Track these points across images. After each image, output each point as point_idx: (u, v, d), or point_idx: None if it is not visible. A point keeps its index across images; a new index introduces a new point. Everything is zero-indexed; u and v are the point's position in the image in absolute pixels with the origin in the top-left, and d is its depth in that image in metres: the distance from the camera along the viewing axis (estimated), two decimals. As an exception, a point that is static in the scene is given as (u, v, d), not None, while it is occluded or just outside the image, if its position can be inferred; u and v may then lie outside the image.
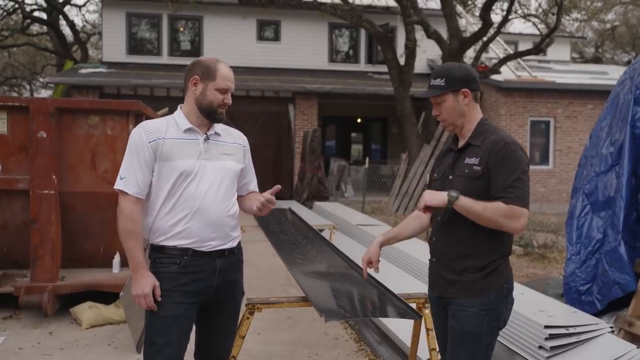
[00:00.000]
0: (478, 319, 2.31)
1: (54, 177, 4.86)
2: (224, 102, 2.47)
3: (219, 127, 2.55)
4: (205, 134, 2.48)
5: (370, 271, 3.42)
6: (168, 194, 2.40)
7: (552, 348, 3.33)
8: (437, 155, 2.66)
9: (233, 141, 2.58)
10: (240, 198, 2.62)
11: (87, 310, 4.71)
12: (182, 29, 17.21)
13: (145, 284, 2.36)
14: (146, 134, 2.41)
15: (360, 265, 3.58)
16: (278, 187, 2.51)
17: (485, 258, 2.32)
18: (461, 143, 2.45)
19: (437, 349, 2.67)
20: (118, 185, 2.41)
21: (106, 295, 4.90)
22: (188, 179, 2.40)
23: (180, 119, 2.48)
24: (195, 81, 2.46)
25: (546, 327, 3.37)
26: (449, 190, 2.30)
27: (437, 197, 2.29)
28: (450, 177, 2.40)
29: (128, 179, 2.39)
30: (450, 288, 2.38)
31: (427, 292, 3.20)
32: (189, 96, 2.49)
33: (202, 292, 2.44)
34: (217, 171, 2.45)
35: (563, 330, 3.38)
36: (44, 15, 22.26)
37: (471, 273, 2.33)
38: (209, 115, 2.46)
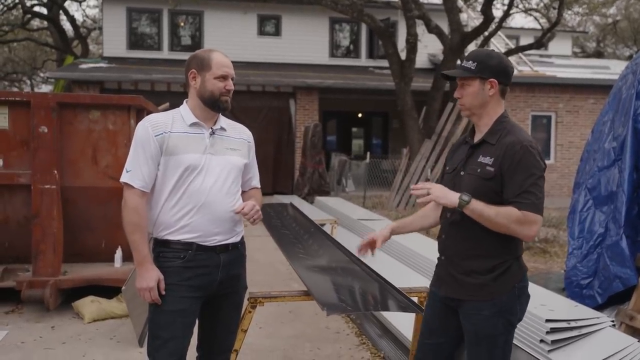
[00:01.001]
0: (492, 321, 2.26)
1: (55, 171, 4.87)
2: (226, 89, 2.45)
3: (224, 122, 2.54)
4: (211, 128, 2.48)
5: (373, 265, 3.43)
6: (173, 188, 2.39)
7: (554, 342, 3.33)
8: (452, 145, 2.58)
9: (239, 136, 2.57)
10: (242, 193, 2.62)
11: (89, 305, 4.72)
12: (182, 24, 17.18)
13: (150, 277, 2.36)
14: (152, 127, 2.40)
15: (363, 260, 3.60)
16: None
17: (495, 259, 2.26)
18: (477, 138, 2.36)
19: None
20: (124, 178, 2.41)
21: (108, 290, 4.91)
22: (194, 174, 2.39)
23: (186, 113, 2.47)
24: (194, 75, 2.46)
25: (547, 320, 3.37)
26: (459, 189, 2.25)
27: (447, 197, 2.21)
28: (462, 173, 2.33)
29: (134, 172, 2.39)
30: (459, 289, 2.32)
31: (427, 287, 3.22)
32: (191, 91, 2.49)
33: (206, 286, 2.45)
34: (223, 166, 2.45)
35: (564, 324, 3.38)
36: (44, 10, 22.23)
37: (481, 275, 2.26)
38: (213, 105, 2.45)
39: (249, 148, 2.61)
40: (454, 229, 2.33)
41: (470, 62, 2.31)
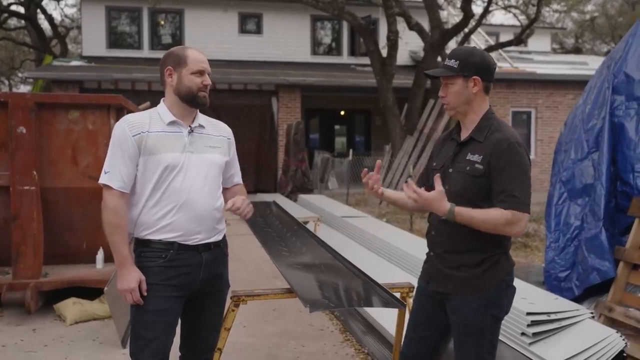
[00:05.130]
0: (480, 314, 2.29)
1: (34, 172, 4.81)
2: (203, 85, 2.44)
3: (203, 120, 2.54)
4: (190, 126, 2.46)
5: (356, 262, 3.45)
6: (153, 188, 2.38)
7: (534, 334, 3.38)
8: (437, 140, 2.58)
9: (218, 134, 2.56)
10: (224, 190, 2.61)
11: (71, 307, 4.68)
12: (162, 23, 17.06)
13: (132, 278, 2.35)
14: (130, 127, 2.39)
15: (346, 257, 3.62)
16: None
17: (485, 253, 2.29)
18: (464, 135, 2.37)
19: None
20: (102, 179, 2.39)
21: (90, 291, 4.87)
22: (173, 172, 2.38)
23: (163, 112, 2.46)
24: (170, 72, 2.46)
25: (528, 313, 3.42)
26: (448, 185, 2.28)
27: (435, 208, 2.21)
28: (450, 170, 2.35)
29: (112, 173, 2.37)
30: (449, 283, 2.34)
31: (410, 282, 3.24)
32: (168, 88, 2.48)
33: (188, 285, 2.44)
34: (203, 164, 2.44)
35: (544, 317, 3.43)
36: (21, 10, 21.91)
37: (471, 268, 2.29)
38: (191, 101, 2.44)
39: (229, 145, 2.60)
40: (444, 226, 2.34)
41: (453, 60, 2.32)
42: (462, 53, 2.34)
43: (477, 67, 2.30)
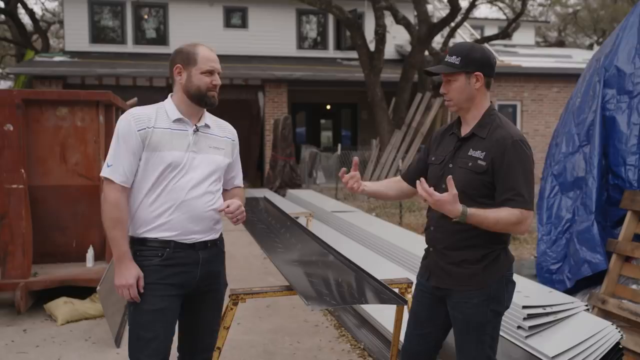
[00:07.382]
0: (481, 309, 2.29)
1: (22, 170, 4.73)
2: (212, 85, 2.40)
3: (209, 119, 2.50)
4: (195, 125, 2.43)
5: (349, 257, 3.44)
6: (153, 185, 2.35)
7: (530, 327, 3.39)
8: (434, 134, 2.55)
9: (223, 134, 2.53)
10: (224, 192, 2.58)
11: (62, 306, 4.61)
12: (146, 17, 16.86)
13: (130, 274, 2.32)
14: (135, 121, 2.34)
15: (341, 251, 3.61)
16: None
17: (484, 249, 2.28)
18: (465, 130, 2.35)
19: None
20: (104, 172, 2.35)
21: (81, 290, 4.81)
22: (175, 171, 2.35)
23: (170, 108, 2.42)
24: (179, 70, 2.41)
25: (524, 307, 3.43)
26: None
27: (447, 210, 2.15)
28: (451, 165, 2.33)
29: (115, 167, 2.33)
30: (449, 279, 2.34)
31: (408, 278, 3.24)
32: (177, 86, 2.43)
33: (185, 284, 2.41)
34: (205, 164, 2.41)
35: (540, 310, 3.45)
36: (1, 4, 21.50)
37: (471, 264, 2.29)
38: (200, 100, 2.41)
39: (232, 147, 2.57)
40: (444, 221, 2.32)
41: (454, 57, 2.29)
42: (463, 49, 2.32)
43: (479, 62, 2.29)
